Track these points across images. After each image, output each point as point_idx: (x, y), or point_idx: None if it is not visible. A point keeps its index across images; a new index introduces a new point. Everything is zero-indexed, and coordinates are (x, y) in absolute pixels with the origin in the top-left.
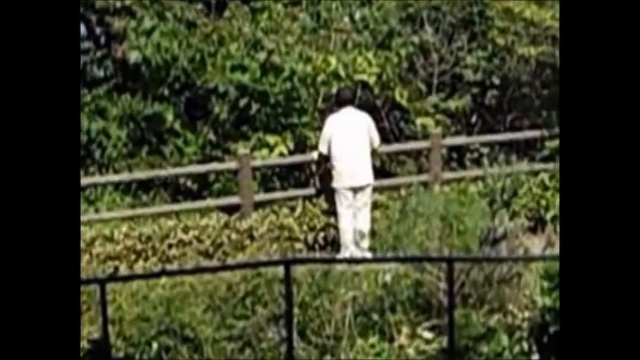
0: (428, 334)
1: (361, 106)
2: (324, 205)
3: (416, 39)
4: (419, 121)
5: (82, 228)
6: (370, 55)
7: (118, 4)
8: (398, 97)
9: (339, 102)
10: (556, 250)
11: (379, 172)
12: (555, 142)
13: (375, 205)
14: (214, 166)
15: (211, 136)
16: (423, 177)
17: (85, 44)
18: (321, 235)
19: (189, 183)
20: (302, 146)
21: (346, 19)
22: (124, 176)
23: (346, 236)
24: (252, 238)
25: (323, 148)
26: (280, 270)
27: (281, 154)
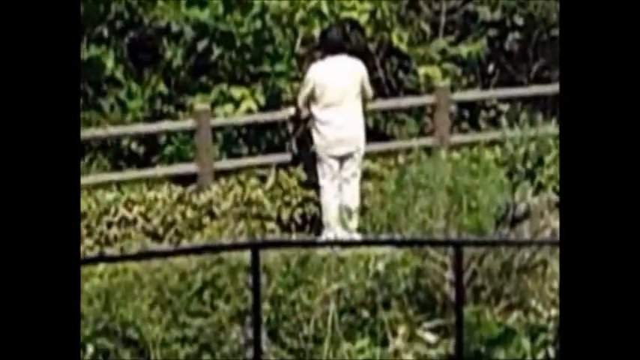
0: (430, 337)
1: (350, 52)
2: (303, 176)
3: None
4: (422, 70)
5: None
6: None
7: None
8: (396, 41)
9: (326, 47)
10: None
11: (372, 134)
12: None
13: (366, 176)
14: (165, 125)
15: (162, 88)
16: (427, 140)
17: None
18: (299, 212)
19: (133, 146)
20: (275, 101)
21: None
22: None
23: (330, 214)
24: (212, 215)
25: (302, 104)
26: (247, 255)
27: (249, 111)
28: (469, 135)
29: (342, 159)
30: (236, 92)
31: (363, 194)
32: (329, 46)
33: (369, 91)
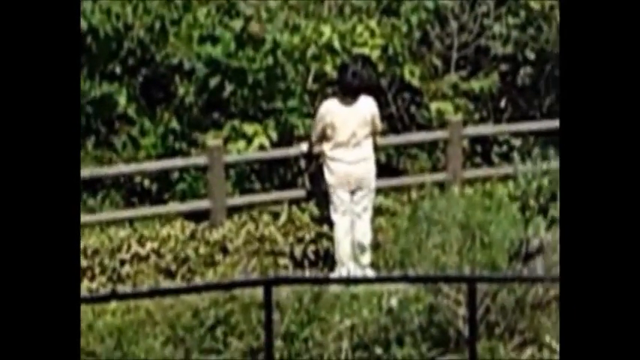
0: None
1: (362, 89)
2: (315, 211)
3: (430, 3)
4: (434, 105)
5: None
6: (373, 23)
7: None
8: (408, 76)
9: (341, 86)
10: None
11: (384, 169)
12: None
13: (378, 211)
14: (178, 161)
15: (174, 125)
16: (439, 175)
17: None
18: (312, 248)
19: (146, 183)
20: (287, 137)
21: None
22: None
23: (342, 250)
24: (224, 251)
25: (314, 140)
26: (259, 292)
27: (261, 147)
28: (482, 170)
29: (354, 193)
30: (248, 128)
31: (376, 230)
32: (346, 88)
33: (379, 126)
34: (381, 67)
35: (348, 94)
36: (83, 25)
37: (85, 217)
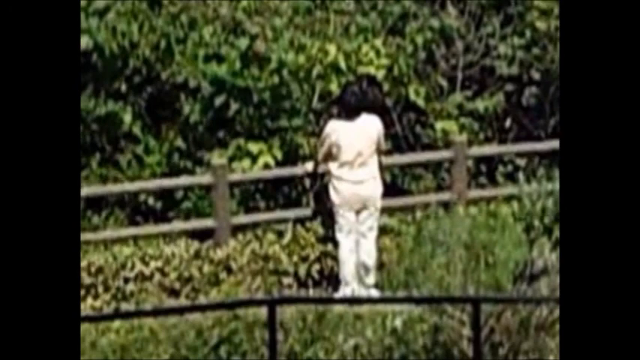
0: None
1: (367, 108)
2: (320, 231)
3: (436, 23)
4: (439, 125)
5: None
6: (378, 42)
7: None
8: (413, 96)
9: (343, 107)
10: None
11: (389, 188)
12: None
13: (383, 231)
14: (183, 180)
15: (179, 143)
16: (444, 195)
17: None
18: (316, 267)
19: (151, 201)
20: (292, 156)
21: None
22: None
23: (347, 270)
24: (229, 270)
25: (320, 159)
26: (263, 311)
27: (266, 166)
28: (486, 190)
29: (358, 212)
30: (253, 147)
31: (381, 250)
32: (346, 108)
33: (383, 146)
34: (386, 87)
35: (348, 113)
36: (89, 42)
37: (89, 235)
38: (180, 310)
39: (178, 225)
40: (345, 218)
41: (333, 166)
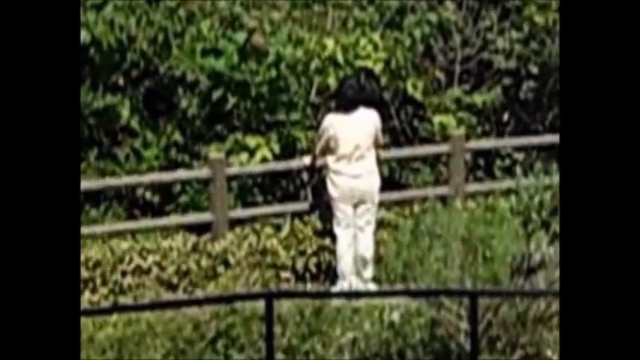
0: None
1: (365, 101)
2: (318, 224)
3: (433, 16)
4: (437, 119)
5: None
6: (376, 36)
7: None
8: (411, 90)
9: (340, 101)
10: None
11: (387, 182)
12: None
13: (381, 225)
14: (180, 174)
15: (177, 137)
16: (442, 189)
17: None
18: (313, 261)
19: (148, 195)
20: (290, 150)
21: None
22: None
23: (345, 263)
24: (226, 264)
25: (318, 153)
26: (261, 305)
27: (264, 160)
28: (484, 184)
29: (356, 206)
30: (251, 141)
31: (378, 243)
32: (343, 102)
33: (380, 140)
34: (384, 81)
35: (345, 106)
36: (87, 36)
37: (86, 229)
38: (178, 304)
39: (176, 219)
40: (342, 212)
41: (330, 160)
